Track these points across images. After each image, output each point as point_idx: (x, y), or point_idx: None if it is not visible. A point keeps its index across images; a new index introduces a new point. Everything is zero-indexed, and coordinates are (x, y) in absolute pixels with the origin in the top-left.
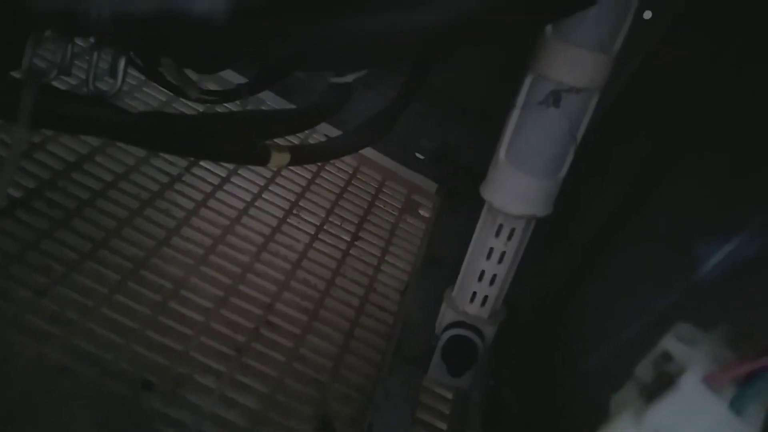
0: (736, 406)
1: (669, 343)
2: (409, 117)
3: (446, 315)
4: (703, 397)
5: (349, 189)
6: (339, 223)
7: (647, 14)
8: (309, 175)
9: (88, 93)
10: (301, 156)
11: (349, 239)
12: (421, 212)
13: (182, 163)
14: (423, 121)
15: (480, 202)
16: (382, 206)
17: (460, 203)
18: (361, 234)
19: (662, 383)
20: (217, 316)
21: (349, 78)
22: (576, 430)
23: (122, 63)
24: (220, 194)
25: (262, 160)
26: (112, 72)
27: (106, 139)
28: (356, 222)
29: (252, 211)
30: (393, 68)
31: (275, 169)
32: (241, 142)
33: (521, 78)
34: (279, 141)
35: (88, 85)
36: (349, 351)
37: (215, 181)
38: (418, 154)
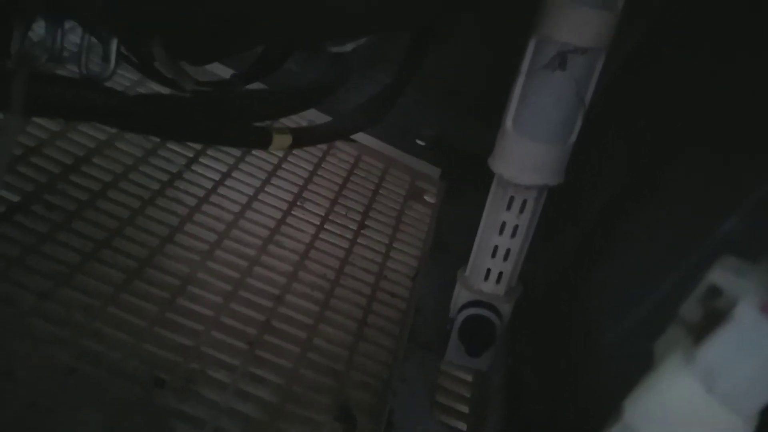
0: None
1: (717, 276)
2: (409, 104)
3: (461, 295)
4: (762, 327)
5: (352, 178)
6: (344, 213)
7: None
8: (311, 167)
9: (82, 77)
10: (303, 138)
11: (355, 228)
12: (427, 198)
13: (181, 160)
14: (422, 108)
15: (484, 186)
16: (386, 194)
17: (465, 187)
18: (367, 222)
19: (713, 319)
20: (226, 310)
21: (348, 47)
22: (596, 406)
23: (113, 45)
24: (221, 189)
25: (264, 143)
26: (105, 56)
27: (101, 123)
28: (362, 211)
29: (255, 205)
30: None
31: (277, 152)
32: (241, 124)
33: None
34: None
35: (81, 69)
36: (363, 338)
37: (216, 176)
38: (419, 141)
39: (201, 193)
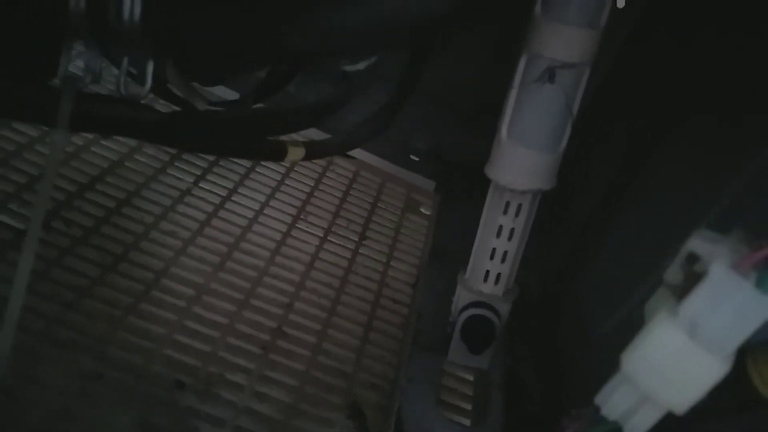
0: (762, 284)
1: (694, 244)
2: (403, 120)
3: (462, 296)
4: (732, 282)
5: (351, 192)
6: (345, 225)
7: (620, 2)
8: (312, 182)
9: (121, 96)
10: (314, 150)
11: (356, 239)
12: (423, 210)
13: (190, 178)
14: (415, 123)
15: (477, 196)
16: (384, 207)
17: (458, 198)
18: (367, 234)
19: (692, 281)
20: (240, 317)
21: (361, 65)
22: (591, 397)
23: (149, 68)
24: (228, 205)
25: (280, 156)
26: (140, 78)
27: (139, 138)
28: (362, 223)
29: (261, 219)
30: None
31: (290, 164)
32: (259, 138)
33: (516, 60)
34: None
35: (120, 90)
36: (369, 342)
37: (223, 192)
38: (413, 156)
39: (210, 208)
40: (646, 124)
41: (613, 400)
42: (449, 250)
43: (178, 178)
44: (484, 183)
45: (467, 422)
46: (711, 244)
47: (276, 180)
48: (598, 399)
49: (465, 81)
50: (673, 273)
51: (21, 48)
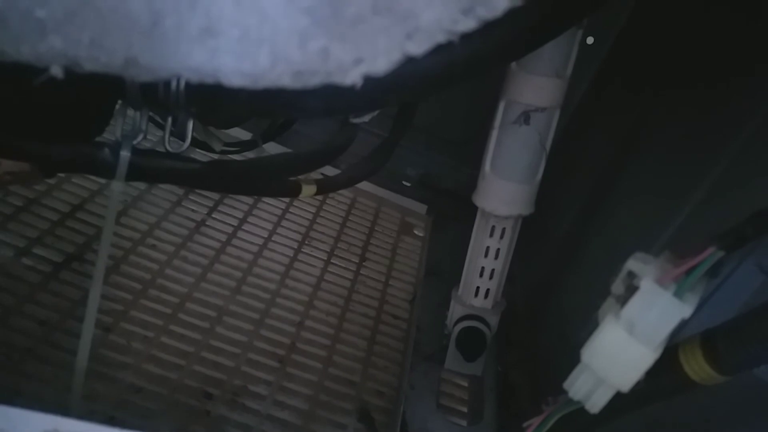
0: (678, 294)
1: (631, 264)
2: (395, 150)
3: (455, 310)
4: (656, 292)
5: (350, 218)
6: (346, 248)
7: (590, 40)
8: (314, 210)
9: (165, 149)
10: (324, 186)
11: (357, 261)
12: (416, 232)
13: (203, 210)
14: (406, 152)
15: (465, 218)
16: (380, 230)
17: (449, 220)
18: (367, 255)
19: (630, 291)
20: (257, 335)
21: (366, 117)
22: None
23: (190, 126)
24: (240, 233)
25: (295, 193)
26: (180, 134)
27: (182, 185)
28: (361, 246)
29: (270, 245)
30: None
31: (304, 198)
32: (279, 180)
33: (495, 105)
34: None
35: (165, 145)
36: (374, 354)
37: (234, 222)
38: (405, 182)
39: (223, 237)
40: (612, 153)
41: (576, 385)
42: (442, 268)
43: (194, 210)
44: (470, 206)
45: (464, 423)
46: (643, 264)
47: (281, 209)
48: (566, 384)
49: (451, 113)
50: (617, 285)
51: (79, 113)
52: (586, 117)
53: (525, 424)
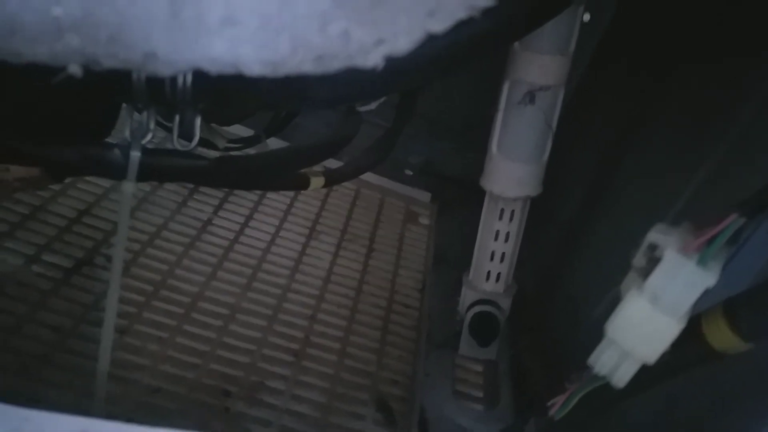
0: (702, 262)
1: (653, 236)
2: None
3: (467, 296)
4: (680, 262)
5: (355, 210)
6: (353, 240)
7: (586, 17)
8: (319, 203)
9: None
10: (332, 178)
11: (365, 252)
12: (421, 220)
13: (209, 209)
14: (408, 140)
15: (469, 205)
16: (386, 220)
17: (453, 207)
18: (374, 246)
19: (652, 264)
20: (271, 330)
21: (373, 105)
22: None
23: (198, 122)
24: (247, 231)
25: (303, 185)
26: (187, 134)
27: (192, 183)
28: (368, 237)
29: (278, 241)
30: None
31: (310, 191)
32: (286, 173)
33: (498, 87)
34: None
35: (174, 143)
36: (387, 344)
37: (240, 219)
38: (407, 171)
39: (230, 235)
40: (616, 132)
41: (601, 360)
42: (449, 254)
43: (199, 210)
44: (474, 192)
45: (481, 408)
46: (665, 235)
47: (286, 204)
48: (591, 360)
49: (452, 100)
50: (639, 259)
51: (85, 115)
52: (587, 96)
53: (549, 403)
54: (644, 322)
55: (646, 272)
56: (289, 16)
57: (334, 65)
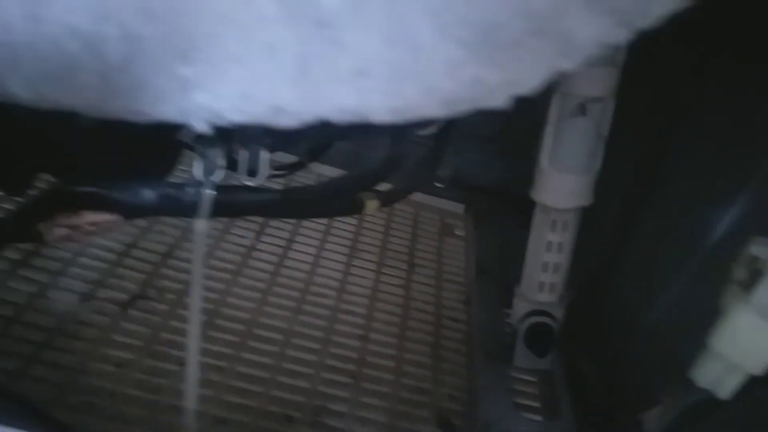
0: None
1: (755, 249)
2: (421, 152)
3: (520, 307)
4: None
5: (391, 226)
6: (394, 257)
7: None
8: (355, 222)
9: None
10: (385, 199)
11: (406, 268)
12: (457, 232)
13: (251, 234)
14: None
15: (503, 213)
16: (422, 234)
17: (487, 217)
18: (414, 261)
19: (754, 276)
20: (326, 353)
21: (432, 129)
22: (645, 378)
23: (265, 156)
24: (290, 254)
25: (359, 209)
26: (254, 168)
27: (263, 216)
28: (407, 252)
29: (321, 262)
30: None
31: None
32: (342, 199)
33: (543, 100)
34: None
35: (241, 178)
36: (440, 359)
37: (282, 243)
38: (437, 183)
39: (274, 259)
40: (659, 125)
41: (705, 373)
42: (490, 265)
43: (241, 236)
44: (508, 199)
45: (542, 419)
46: (767, 248)
47: (324, 224)
48: (693, 374)
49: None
50: (739, 272)
51: (157, 158)
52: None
53: (641, 416)
54: (753, 335)
55: (747, 284)
56: (421, 65)
57: (461, 108)
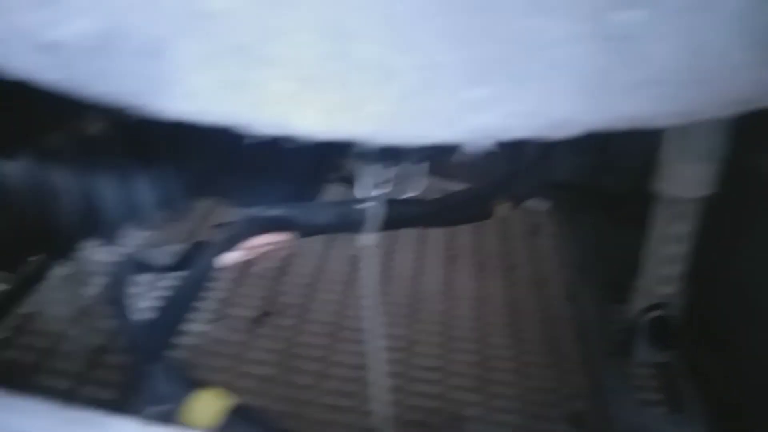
0: None
1: None
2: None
3: (640, 301)
4: None
5: (479, 230)
6: (489, 259)
7: None
8: (442, 229)
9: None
10: (515, 203)
11: (503, 267)
12: (545, 230)
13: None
14: None
15: (585, 209)
16: (511, 235)
17: (574, 213)
18: (510, 262)
19: None
20: (449, 359)
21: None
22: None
23: (425, 171)
24: (392, 261)
25: (489, 215)
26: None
27: (422, 227)
28: (501, 254)
29: (423, 269)
30: None
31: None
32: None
33: None
34: None
35: (396, 192)
36: (556, 358)
37: (383, 250)
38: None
39: (380, 267)
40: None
41: None
42: (585, 260)
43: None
44: (592, 193)
45: (667, 412)
46: None
47: (415, 232)
48: None
49: None
50: None
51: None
52: None
53: None
54: None
55: None
56: (711, 71)
57: (740, 108)
